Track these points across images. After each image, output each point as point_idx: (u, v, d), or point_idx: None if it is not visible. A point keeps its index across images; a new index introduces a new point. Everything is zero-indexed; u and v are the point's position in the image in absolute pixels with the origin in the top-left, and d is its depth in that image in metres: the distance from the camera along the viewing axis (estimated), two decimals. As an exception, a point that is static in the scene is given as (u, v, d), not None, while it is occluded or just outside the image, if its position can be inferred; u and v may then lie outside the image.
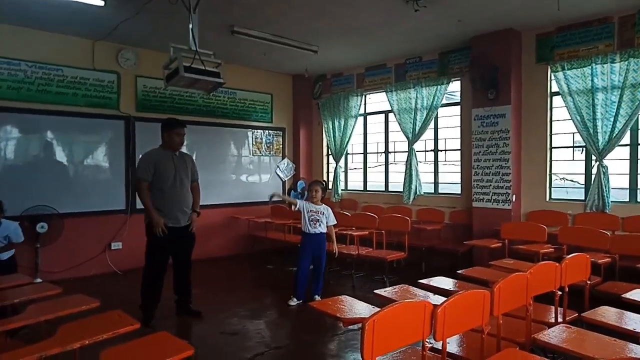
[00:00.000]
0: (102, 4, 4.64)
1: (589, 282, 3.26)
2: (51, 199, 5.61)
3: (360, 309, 2.67)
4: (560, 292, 2.93)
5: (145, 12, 4.92)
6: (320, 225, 4.83)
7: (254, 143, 7.97)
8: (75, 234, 5.85)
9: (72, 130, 5.97)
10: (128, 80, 6.41)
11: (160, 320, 4.20)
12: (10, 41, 5.47)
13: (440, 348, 2.23)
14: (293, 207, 5.06)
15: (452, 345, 2.53)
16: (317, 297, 4.82)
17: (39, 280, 5.01)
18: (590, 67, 5.13)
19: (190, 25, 3.86)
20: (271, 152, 8.21)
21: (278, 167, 8.24)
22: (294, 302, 4.82)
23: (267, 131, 8.12)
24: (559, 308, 2.95)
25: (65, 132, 5.93)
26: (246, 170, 7.88)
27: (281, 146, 8.35)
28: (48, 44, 5.74)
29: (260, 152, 8.05)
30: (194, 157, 4.79)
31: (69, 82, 5.90)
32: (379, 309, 2.00)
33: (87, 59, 6.04)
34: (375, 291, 2.92)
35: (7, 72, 5.46)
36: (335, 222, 5.03)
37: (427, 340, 2.14)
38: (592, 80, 5.12)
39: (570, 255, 3.10)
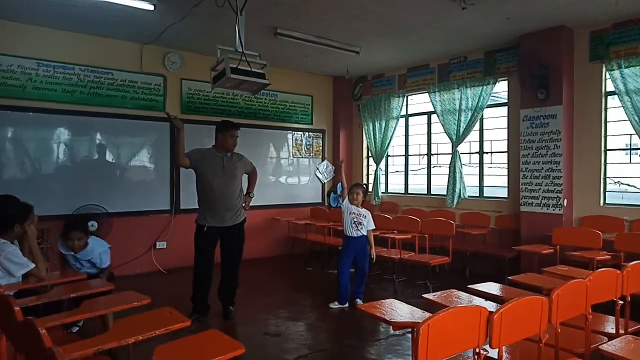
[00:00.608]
0: (151, 8, 4.75)
1: (653, 292, 3.06)
2: (100, 198, 5.80)
3: (408, 313, 2.59)
4: (621, 302, 2.76)
5: (192, 16, 5.03)
6: (362, 228, 4.78)
7: (294, 145, 7.99)
8: (122, 233, 6.01)
9: (120, 132, 6.18)
10: (174, 83, 6.57)
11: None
12: (65, 46, 5.71)
13: (495, 357, 2.14)
14: (341, 199, 5.03)
15: (504, 354, 2.42)
16: (359, 301, 4.77)
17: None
18: (650, 64, 4.86)
19: (237, 27, 3.91)
20: (311, 154, 8.21)
21: (317, 168, 8.22)
22: (335, 305, 4.77)
23: (307, 133, 8.13)
24: (620, 318, 2.78)
25: (114, 134, 6.14)
26: (286, 172, 7.91)
27: (321, 148, 8.34)
28: (99, 48, 5.95)
29: (300, 154, 8.07)
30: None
31: (118, 85, 6.11)
32: (429, 314, 1.93)
33: (135, 63, 6.23)
34: (424, 295, 2.84)
35: (62, 76, 5.70)
36: (374, 227, 4.96)
37: (481, 347, 2.05)
38: (652, 79, 4.85)
39: (633, 263, 2.92)
